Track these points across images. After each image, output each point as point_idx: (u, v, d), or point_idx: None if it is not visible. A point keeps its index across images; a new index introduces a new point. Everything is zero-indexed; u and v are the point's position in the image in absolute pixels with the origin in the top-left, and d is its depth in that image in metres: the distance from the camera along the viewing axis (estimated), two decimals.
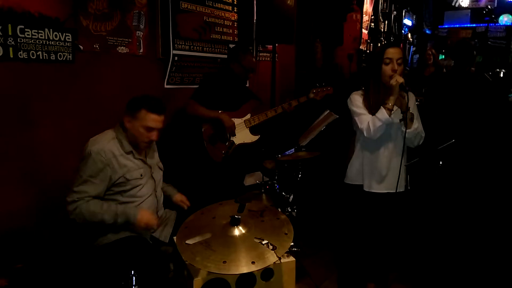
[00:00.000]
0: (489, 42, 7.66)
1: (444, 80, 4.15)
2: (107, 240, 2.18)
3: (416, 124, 2.36)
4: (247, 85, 3.81)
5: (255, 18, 4.21)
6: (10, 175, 2.44)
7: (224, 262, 1.53)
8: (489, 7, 7.65)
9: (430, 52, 6.15)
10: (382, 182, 2.47)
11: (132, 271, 2.03)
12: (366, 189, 2.50)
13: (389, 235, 2.58)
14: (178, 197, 2.53)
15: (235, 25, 4.07)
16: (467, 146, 2.92)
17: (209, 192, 2.77)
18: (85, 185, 2.08)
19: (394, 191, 2.41)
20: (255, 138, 3.31)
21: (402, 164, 2.41)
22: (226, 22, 3.94)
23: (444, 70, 5.89)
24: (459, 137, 2.57)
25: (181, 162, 3.29)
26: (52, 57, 2.56)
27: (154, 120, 2.17)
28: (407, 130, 2.29)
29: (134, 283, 2.05)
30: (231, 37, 4.02)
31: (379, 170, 2.47)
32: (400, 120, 2.32)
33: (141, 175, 2.25)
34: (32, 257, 2.46)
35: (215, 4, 3.78)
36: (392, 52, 2.32)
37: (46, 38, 2.52)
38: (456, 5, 7.99)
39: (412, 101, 2.45)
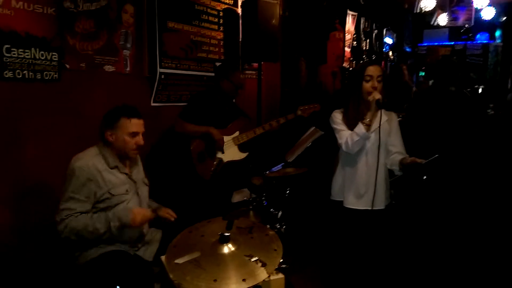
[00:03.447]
0: (467, 60, 7.91)
1: (425, 96, 4.25)
2: (90, 256, 2.14)
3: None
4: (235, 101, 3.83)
5: (240, 37, 4.27)
6: None
7: (215, 280, 1.52)
8: (466, 26, 7.91)
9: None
10: (361, 198, 2.51)
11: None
12: (345, 205, 2.53)
13: (374, 251, 2.60)
14: (164, 210, 2.46)
15: (221, 44, 4.12)
16: (450, 160, 2.99)
17: (197, 210, 2.75)
18: (71, 202, 2.06)
19: (371, 208, 2.43)
20: (244, 155, 3.33)
21: (378, 180, 2.40)
22: (212, 41, 3.99)
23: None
24: (442, 152, 2.63)
25: (169, 180, 3.27)
26: (38, 76, 2.56)
27: (136, 124, 2.20)
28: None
29: None
30: (217, 56, 4.07)
31: (358, 186, 2.51)
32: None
33: (127, 191, 2.23)
34: (14, 278, 2.40)
35: (201, 24, 3.83)
36: (373, 70, 2.40)
37: (33, 57, 2.51)
38: (435, 23, 8.25)
39: (395, 122, 2.51)
